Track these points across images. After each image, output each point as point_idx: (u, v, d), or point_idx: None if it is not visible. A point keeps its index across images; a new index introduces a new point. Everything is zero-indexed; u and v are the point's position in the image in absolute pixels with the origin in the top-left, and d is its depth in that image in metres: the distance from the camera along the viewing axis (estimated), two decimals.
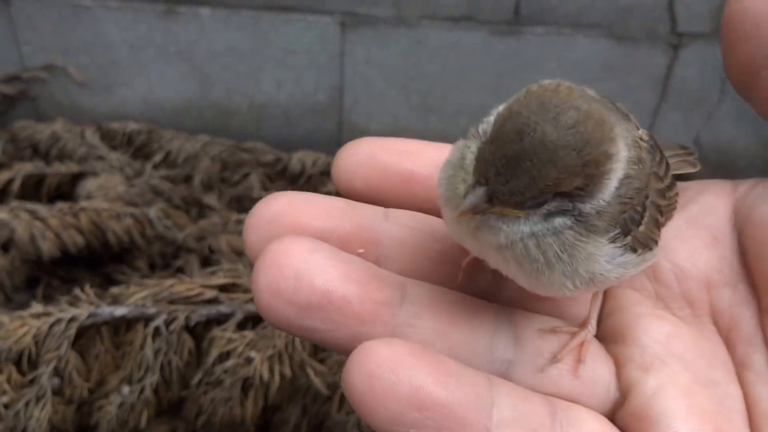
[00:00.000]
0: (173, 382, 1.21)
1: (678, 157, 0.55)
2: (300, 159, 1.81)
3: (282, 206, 0.45)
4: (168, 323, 1.21)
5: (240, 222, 1.56)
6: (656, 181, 0.44)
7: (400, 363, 0.39)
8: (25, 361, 1.19)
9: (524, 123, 0.37)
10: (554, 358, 0.45)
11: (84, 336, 1.23)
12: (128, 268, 1.55)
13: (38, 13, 1.79)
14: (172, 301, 1.24)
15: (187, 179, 1.76)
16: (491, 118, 0.41)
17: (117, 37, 1.81)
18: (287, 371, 1.16)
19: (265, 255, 0.42)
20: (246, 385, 1.17)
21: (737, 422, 0.44)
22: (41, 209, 1.49)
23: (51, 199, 1.63)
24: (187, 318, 1.22)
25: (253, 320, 1.22)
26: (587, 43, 1.75)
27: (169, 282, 1.26)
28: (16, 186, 1.62)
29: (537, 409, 0.42)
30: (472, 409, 0.40)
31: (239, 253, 1.48)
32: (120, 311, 1.22)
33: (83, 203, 1.52)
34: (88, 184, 1.63)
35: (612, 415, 0.45)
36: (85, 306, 1.22)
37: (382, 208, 0.48)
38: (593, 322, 0.47)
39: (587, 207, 0.40)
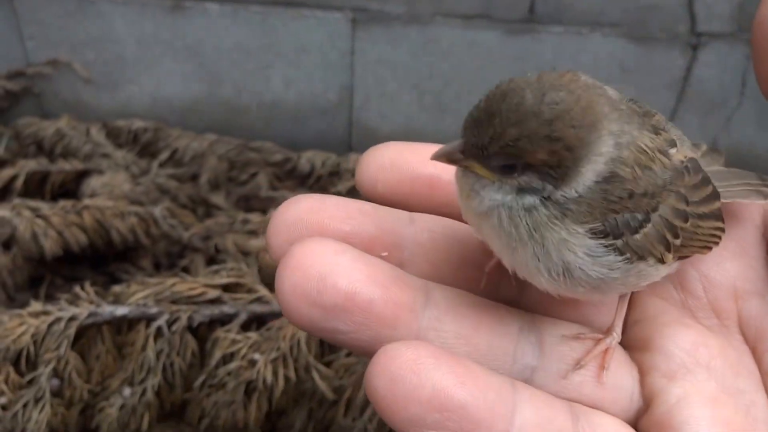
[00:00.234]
0: (176, 384, 1.21)
1: (748, 186, 0.52)
2: (309, 159, 1.82)
3: (306, 209, 0.46)
4: (170, 323, 1.21)
5: (247, 222, 1.56)
6: (676, 201, 0.44)
7: (422, 365, 0.39)
8: (23, 361, 1.19)
9: (512, 89, 0.40)
10: (578, 365, 0.45)
11: (84, 336, 1.23)
12: (133, 267, 1.56)
13: (43, 7, 1.78)
14: (174, 301, 1.24)
15: (194, 178, 1.77)
16: None
17: (123, 32, 1.80)
18: (292, 374, 1.16)
19: (289, 257, 0.42)
20: (249, 388, 1.16)
21: None
22: (43, 207, 1.49)
23: (55, 197, 1.64)
24: (189, 318, 1.21)
25: (258, 321, 1.22)
26: (604, 43, 1.74)
27: (171, 281, 1.26)
28: (19, 183, 1.63)
29: (559, 414, 0.43)
30: (494, 412, 0.40)
31: (246, 253, 1.49)
32: (121, 311, 1.22)
33: (86, 201, 1.53)
34: (93, 182, 1.65)
35: (635, 423, 0.45)
36: (85, 305, 1.22)
37: (406, 212, 0.49)
38: (618, 329, 0.47)
39: (558, 194, 0.41)
